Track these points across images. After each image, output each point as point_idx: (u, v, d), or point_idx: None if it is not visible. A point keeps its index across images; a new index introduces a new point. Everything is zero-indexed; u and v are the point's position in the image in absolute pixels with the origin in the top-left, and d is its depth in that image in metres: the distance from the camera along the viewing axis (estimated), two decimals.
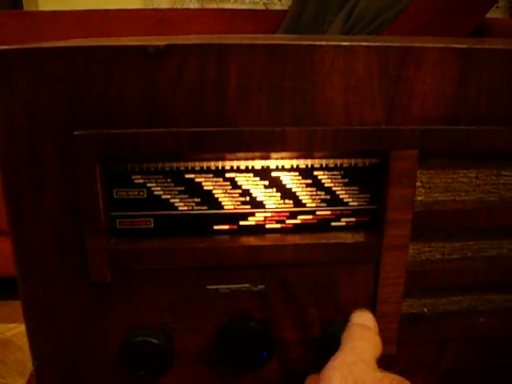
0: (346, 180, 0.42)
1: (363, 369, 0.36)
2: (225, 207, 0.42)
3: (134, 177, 0.41)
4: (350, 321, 0.42)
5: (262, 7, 2.31)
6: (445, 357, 0.48)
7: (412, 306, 0.47)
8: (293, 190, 0.42)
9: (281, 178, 0.42)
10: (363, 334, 0.40)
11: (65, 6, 2.19)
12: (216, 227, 0.43)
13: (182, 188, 0.41)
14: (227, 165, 0.41)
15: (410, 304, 0.47)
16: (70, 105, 0.38)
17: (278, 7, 2.29)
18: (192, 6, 2.32)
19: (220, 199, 0.42)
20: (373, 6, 1.74)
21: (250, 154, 0.40)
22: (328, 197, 0.43)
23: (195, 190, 0.41)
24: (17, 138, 0.39)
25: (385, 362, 0.47)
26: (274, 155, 0.41)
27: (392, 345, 0.46)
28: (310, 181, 0.42)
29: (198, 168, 0.41)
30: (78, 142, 0.38)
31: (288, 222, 0.43)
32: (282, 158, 0.41)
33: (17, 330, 1.51)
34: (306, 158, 0.41)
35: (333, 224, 0.43)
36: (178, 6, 2.33)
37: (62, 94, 0.38)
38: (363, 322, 0.42)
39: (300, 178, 0.42)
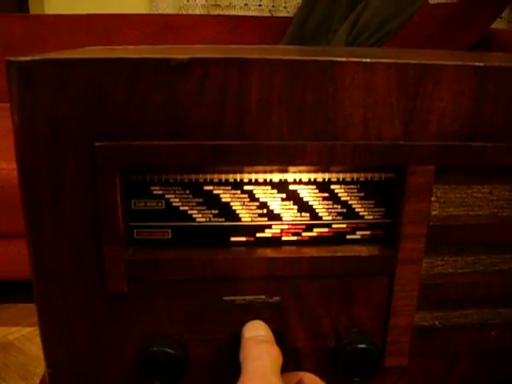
0: (362, 194, 0.43)
1: None
2: (242, 219, 0.43)
3: (152, 188, 0.41)
4: (242, 335, 0.42)
5: (268, 14, 2.32)
6: (455, 369, 0.49)
7: (424, 319, 0.47)
8: (309, 203, 0.43)
9: (298, 191, 0.42)
10: (261, 350, 0.40)
11: (70, 10, 2.20)
12: (233, 239, 0.43)
13: (201, 200, 0.42)
14: (245, 177, 0.41)
15: (421, 317, 0.47)
16: (92, 116, 0.38)
17: (283, 14, 2.30)
18: (197, 12, 2.33)
19: (238, 211, 0.42)
20: (378, 15, 1.75)
21: (268, 167, 0.41)
22: (344, 210, 0.43)
23: (213, 201, 0.42)
24: (37, 148, 0.39)
25: (396, 374, 0.48)
26: (291, 168, 0.41)
27: (404, 357, 0.46)
28: (326, 194, 0.42)
29: (216, 180, 0.41)
30: (99, 153, 0.39)
31: (304, 234, 0.43)
32: (299, 172, 0.42)
33: (19, 334, 1.51)
34: (323, 171, 0.42)
35: (348, 237, 0.44)
36: (184, 12, 2.34)
37: (84, 105, 0.38)
38: (256, 333, 0.42)
39: (317, 191, 0.42)
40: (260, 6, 2.33)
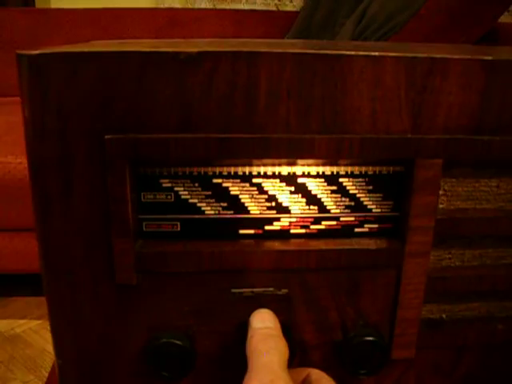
0: (370, 187, 0.43)
1: None
2: (251, 212, 0.43)
3: (161, 181, 0.42)
4: (249, 325, 0.42)
5: (274, 8, 2.32)
6: (462, 362, 0.49)
7: (431, 312, 0.48)
8: (318, 196, 0.43)
9: (306, 184, 0.42)
10: (268, 345, 0.40)
11: (76, 4, 2.20)
12: (242, 231, 0.43)
13: (209, 192, 0.42)
14: (254, 170, 0.42)
15: (428, 309, 0.47)
16: (101, 109, 0.38)
17: (289, 8, 2.30)
18: (203, 6, 2.33)
19: (246, 204, 0.43)
20: (384, 9, 1.74)
21: (277, 160, 0.41)
22: (352, 203, 0.43)
23: (222, 194, 0.42)
24: (47, 140, 0.39)
25: (403, 366, 0.48)
26: (300, 162, 0.41)
27: (411, 349, 0.46)
28: (334, 187, 0.43)
29: (225, 173, 0.42)
30: (109, 145, 0.39)
31: (312, 227, 0.44)
32: (307, 165, 0.42)
33: (26, 326, 1.52)
34: (331, 164, 0.42)
35: (356, 230, 0.44)
36: (190, 6, 2.34)
37: (94, 98, 0.38)
38: (263, 325, 0.42)
39: (325, 184, 0.42)
40: (266, 0, 2.33)
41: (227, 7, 2.32)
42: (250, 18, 2.11)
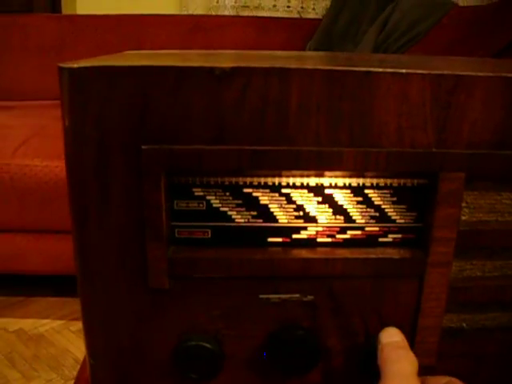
0: (395, 198, 0.44)
1: None
2: (279, 221, 0.44)
3: (194, 189, 0.43)
4: (379, 341, 0.44)
5: (296, 15, 2.33)
6: (481, 371, 0.50)
7: (451, 321, 0.49)
8: (344, 206, 0.44)
9: (333, 195, 0.44)
10: (399, 355, 0.42)
11: (101, 10, 2.23)
12: (270, 239, 0.45)
13: (240, 201, 0.44)
14: (283, 181, 0.43)
15: (449, 318, 0.49)
16: (138, 120, 0.40)
17: (311, 16, 2.32)
18: (227, 13, 2.35)
19: (275, 213, 0.44)
20: (407, 17, 1.75)
21: (305, 172, 0.43)
22: (377, 214, 0.45)
23: (252, 203, 0.44)
24: (86, 150, 0.41)
25: (424, 374, 0.49)
26: (327, 173, 0.43)
27: (432, 357, 0.47)
28: (360, 198, 0.44)
29: (255, 183, 0.43)
30: (145, 155, 0.41)
31: (338, 236, 0.45)
32: (335, 176, 0.43)
33: (49, 326, 1.55)
34: (357, 176, 0.43)
35: (380, 240, 0.45)
36: (213, 13, 2.36)
37: (131, 110, 0.40)
38: (392, 339, 0.44)
39: (351, 195, 0.44)
40: (289, 7, 2.34)
41: (250, 14, 2.34)
42: (273, 25, 2.13)
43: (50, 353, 1.44)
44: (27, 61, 2.13)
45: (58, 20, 2.19)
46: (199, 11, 2.38)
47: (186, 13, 2.39)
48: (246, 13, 2.35)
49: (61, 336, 1.50)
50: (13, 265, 1.57)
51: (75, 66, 0.40)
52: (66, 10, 2.42)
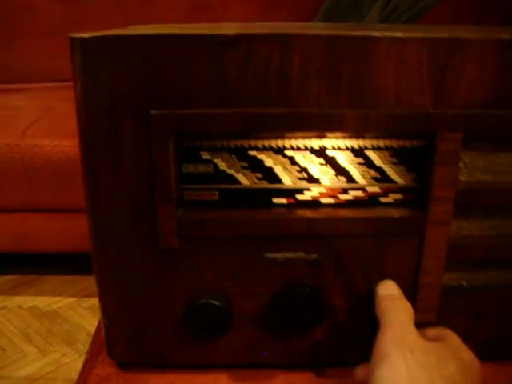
0: (395, 159, 0.46)
1: (414, 338, 0.41)
2: (284, 182, 0.46)
3: (201, 153, 0.45)
4: (377, 294, 0.46)
5: None
6: (480, 327, 0.52)
7: (451, 279, 0.50)
8: (346, 168, 0.46)
9: (335, 157, 0.45)
10: (396, 305, 0.45)
11: None
12: (275, 200, 0.47)
13: (246, 164, 0.46)
14: (287, 143, 0.45)
15: (449, 277, 0.50)
16: (147, 87, 0.42)
17: None
18: None
19: (279, 175, 0.46)
20: None
21: (307, 134, 0.44)
22: (378, 175, 0.46)
23: (257, 166, 0.46)
24: (97, 118, 0.43)
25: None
26: (329, 135, 0.45)
27: (432, 314, 0.49)
28: (361, 160, 0.46)
29: (260, 146, 0.45)
30: (154, 120, 0.42)
31: (341, 197, 0.47)
32: (336, 138, 0.45)
33: (62, 303, 1.58)
34: (358, 138, 0.45)
35: (381, 200, 0.47)
36: None
37: (140, 77, 0.42)
38: (389, 292, 0.46)
39: (353, 157, 0.46)
40: None
41: None
42: (277, 2, 2.12)
43: (64, 328, 1.47)
44: (34, 43, 2.14)
45: (63, 2, 2.19)
46: None
47: None
48: None
49: (74, 312, 1.53)
50: (25, 244, 1.59)
51: (86, 35, 0.41)
52: None
